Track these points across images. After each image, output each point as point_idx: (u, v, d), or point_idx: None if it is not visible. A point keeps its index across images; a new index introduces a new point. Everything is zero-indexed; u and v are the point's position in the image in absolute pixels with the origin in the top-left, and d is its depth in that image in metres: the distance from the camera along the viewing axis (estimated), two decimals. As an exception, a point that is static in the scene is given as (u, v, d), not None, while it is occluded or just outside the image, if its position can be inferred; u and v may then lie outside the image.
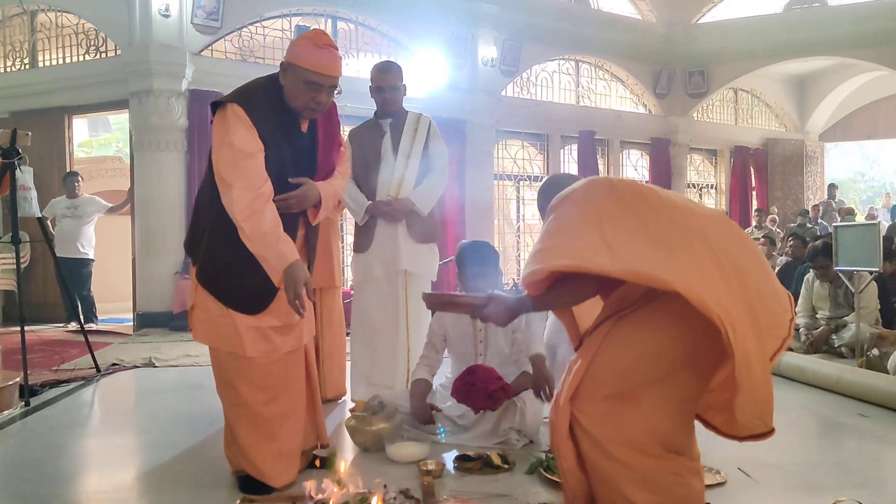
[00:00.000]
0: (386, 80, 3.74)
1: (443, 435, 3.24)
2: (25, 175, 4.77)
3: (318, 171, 2.77)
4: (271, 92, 2.61)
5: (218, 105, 2.56)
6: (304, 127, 2.71)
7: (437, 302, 2.36)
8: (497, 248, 3.65)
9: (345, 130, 3.93)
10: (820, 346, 5.52)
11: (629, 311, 2.02)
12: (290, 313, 2.61)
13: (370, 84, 3.80)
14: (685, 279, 1.82)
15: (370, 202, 3.74)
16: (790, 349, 5.58)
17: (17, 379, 4.11)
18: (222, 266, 2.57)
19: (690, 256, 1.88)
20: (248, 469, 2.62)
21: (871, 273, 5.09)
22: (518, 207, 11.21)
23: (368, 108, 3.97)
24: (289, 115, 2.63)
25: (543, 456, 2.87)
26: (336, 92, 2.62)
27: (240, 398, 2.59)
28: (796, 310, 6.04)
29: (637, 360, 1.98)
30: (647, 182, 2.11)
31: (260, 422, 2.60)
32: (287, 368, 2.68)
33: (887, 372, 4.31)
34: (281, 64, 2.61)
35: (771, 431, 1.98)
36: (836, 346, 5.45)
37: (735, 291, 1.86)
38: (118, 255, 8.79)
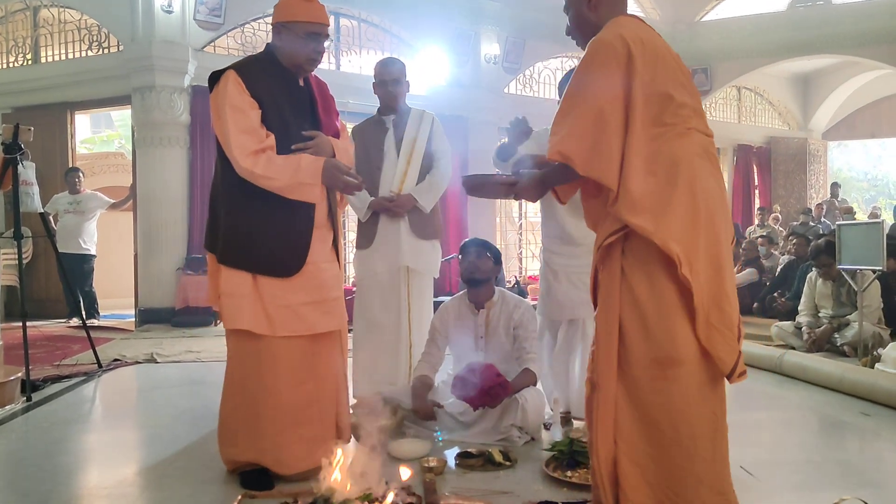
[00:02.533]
0: (389, 74, 3.74)
1: (439, 438, 3.24)
2: (28, 170, 4.77)
3: (321, 128, 2.78)
4: (264, 57, 2.73)
5: (216, 79, 2.62)
6: (301, 82, 2.78)
7: (474, 183, 2.39)
8: (499, 246, 3.68)
9: (348, 127, 3.93)
10: (822, 344, 5.52)
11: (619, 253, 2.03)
12: (320, 287, 2.66)
13: (374, 80, 3.80)
14: (662, 227, 1.93)
15: (373, 198, 3.74)
16: (792, 348, 5.58)
17: (19, 374, 4.11)
18: (245, 233, 2.59)
19: (673, 195, 1.94)
20: (264, 459, 2.59)
21: (874, 272, 5.08)
22: (520, 205, 11.19)
23: (371, 104, 3.97)
24: (285, 73, 2.71)
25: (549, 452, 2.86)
26: (327, 39, 2.76)
27: (265, 383, 2.58)
28: (799, 308, 6.07)
29: (664, 318, 1.96)
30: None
31: (284, 407, 2.59)
32: (317, 352, 2.68)
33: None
34: (274, 27, 2.70)
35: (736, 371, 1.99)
36: (838, 344, 5.44)
37: (702, 236, 1.95)
38: (120, 250, 8.80)
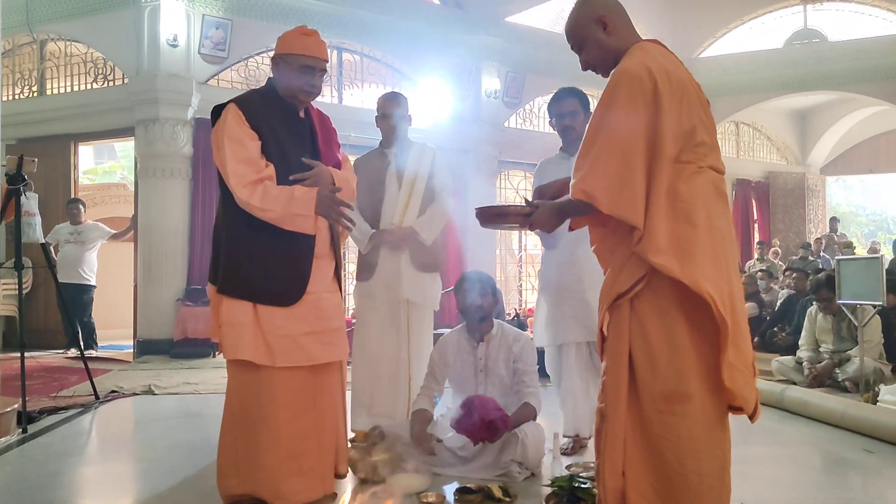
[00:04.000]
0: (392, 108, 3.78)
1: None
2: (30, 201, 4.79)
3: (321, 159, 2.80)
4: (265, 90, 2.79)
5: (217, 114, 2.67)
6: (301, 114, 2.82)
7: (488, 215, 2.30)
8: (499, 279, 3.68)
9: (350, 160, 3.97)
10: (823, 379, 5.49)
11: (638, 295, 1.99)
12: (320, 317, 2.66)
13: (377, 113, 3.84)
14: (689, 267, 1.90)
15: (374, 230, 3.75)
16: (793, 383, 5.54)
17: (16, 405, 4.08)
18: (246, 262, 2.61)
19: (695, 234, 1.94)
20: (262, 491, 2.57)
21: (874, 307, 5.07)
22: (520, 237, 11.22)
23: (373, 137, 4.01)
24: (284, 105, 2.76)
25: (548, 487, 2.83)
26: (324, 75, 2.80)
27: (264, 414, 2.57)
28: (800, 343, 6.04)
29: (674, 353, 1.95)
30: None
31: (283, 439, 2.57)
32: (318, 383, 2.67)
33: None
34: (272, 59, 2.77)
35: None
36: (839, 380, 5.41)
37: (723, 275, 1.95)
38: (120, 281, 8.79)
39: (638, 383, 1.98)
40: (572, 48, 2.22)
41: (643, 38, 2.15)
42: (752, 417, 1.99)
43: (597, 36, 2.13)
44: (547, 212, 2.16)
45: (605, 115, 1.99)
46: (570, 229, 2.29)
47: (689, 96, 2.01)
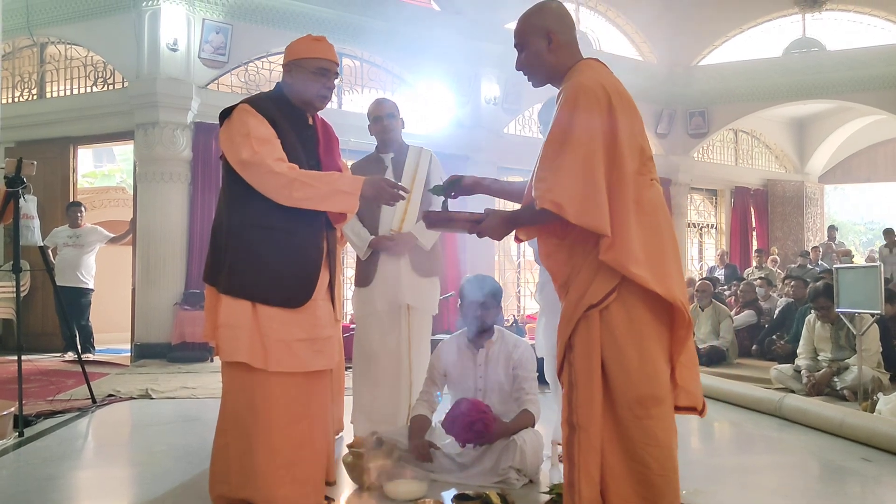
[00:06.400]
0: (382, 109, 3.82)
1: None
2: (29, 204, 4.79)
3: (321, 168, 2.80)
4: (275, 95, 2.78)
5: (226, 115, 2.66)
6: (310, 121, 2.83)
7: (437, 219, 2.31)
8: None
9: (347, 165, 3.97)
10: (822, 388, 5.48)
11: (610, 302, 2.03)
12: (315, 325, 2.64)
13: (368, 120, 3.85)
14: (660, 277, 1.99)
15: (373, 236, 3.75)
16: (792, 391, 5.54)
17: (12, 409, 4.06)
18: (255, 261, 2.59)
19: (662, 243, 2.05)
20: (256, 498, 2.55)
21: (872, 315, 5.07)
22: (519, 244, 11.22)
23: (372, 143, 4.01)
24: (295, 111, 2.76)
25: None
26: (336, 78, 2.82)
27: (259, 420, 2.55)
28: (798, 351, 6.06)
29: (645, 359, 2.00)
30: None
31: (278, 446, 2.56)
32: (311, 390, 2.66)
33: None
34: (284, 66, 2.76)
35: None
36: (838, 388, 5.40)
37: (683, 281, 2.08)
38: (117, 285, 8.78)
39: (612, 391, 2.02)
40: (514, 45, 2.28)
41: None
42: (701, 413, 2.10)
43: (538, 46, 2.22)
44: (497, 220, 2.18)
45: (565, 126, 2.04)
46: (517, 240, 2.29)
47: (636, 114, 2.10)
